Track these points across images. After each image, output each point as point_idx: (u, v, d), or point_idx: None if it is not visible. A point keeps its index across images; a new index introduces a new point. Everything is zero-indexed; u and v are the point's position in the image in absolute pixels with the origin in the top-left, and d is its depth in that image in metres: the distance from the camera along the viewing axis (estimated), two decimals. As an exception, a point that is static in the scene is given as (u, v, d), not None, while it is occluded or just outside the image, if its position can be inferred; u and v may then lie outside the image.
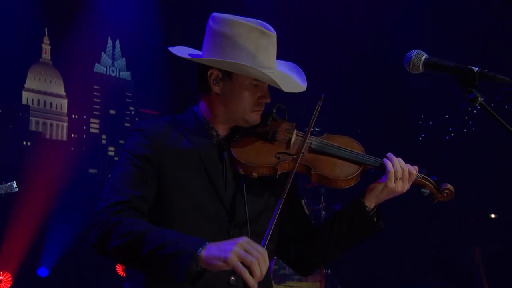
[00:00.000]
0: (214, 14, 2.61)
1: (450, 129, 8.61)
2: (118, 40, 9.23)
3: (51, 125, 8.40)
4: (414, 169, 2.63)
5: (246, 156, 2.58)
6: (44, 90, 8.33)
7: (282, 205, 2.45)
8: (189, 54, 2.68)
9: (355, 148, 2.71)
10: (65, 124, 8.54)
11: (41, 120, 8.27)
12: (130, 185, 2.45)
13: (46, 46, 8.34)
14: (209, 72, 2.59)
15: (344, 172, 2.62)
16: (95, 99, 8.95)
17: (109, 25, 8.86)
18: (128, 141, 2.62)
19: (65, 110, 8.55)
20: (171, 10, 8.75)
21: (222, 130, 2.69)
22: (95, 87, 8.95)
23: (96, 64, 9.04)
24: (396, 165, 2.60)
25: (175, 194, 2.50)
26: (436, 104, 8.31)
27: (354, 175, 2.62)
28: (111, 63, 9.17)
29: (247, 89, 2.59)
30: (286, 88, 2.54)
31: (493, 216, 7.86)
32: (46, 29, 8.29)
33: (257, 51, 2.53)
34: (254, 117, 2.65)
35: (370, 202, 2.68)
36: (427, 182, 2.67)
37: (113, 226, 2.31)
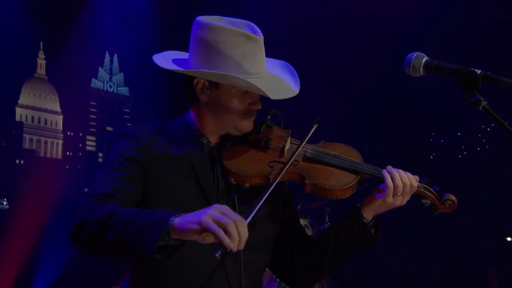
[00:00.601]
0: (198, 18, 2.57)
1: (463, 147, 8.61)
2: (116, 55, 9.19)
3: (46, 142, 8.31)
4: (415, 181, 2.60)
5: (238, 165, 2.58)
6: (38, 106, 8.26)
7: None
8: (173, 61, 2.66)
9: (353, 156, 2.68)
10: (60, 142, 8.47)
11: (35, 138, 8.18)
12: (116, 181, 2.41)
13: (41, 61, 8.29)
14: (195, 81, 2.59)
15: (340, 182, 2.59)
16: (91, 116, 8.88)
17: (106, 39, 8.81)
18: (115, 144, 2.59)
19: (60, 127, 8.48)
20: (171, 24, 8.69)
21: (213, 138, 2.68)
22: (91, 103, 8.89)
23: (93, 79, 8.98)
24: (396, 180, 2.56)
25: (163, 201, 2.47)
26: (447, 121, 8.28)
27: (351, 184, 2.59)
28: (109, 78, 9.14)
29: (235, 96, 2.57)
30: (274, 96, 2.50)
31: (509, 239, 7.95)
32: (41, 43, 8.23)
33: (243, 58, 2.50)
34: (246, 125, 2.64)
35: (368, 214, 2.67)
36: (428, 193, 2.64)
37: (90, 211, 2.24)
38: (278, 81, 2.64)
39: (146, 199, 2.48)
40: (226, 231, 1.99)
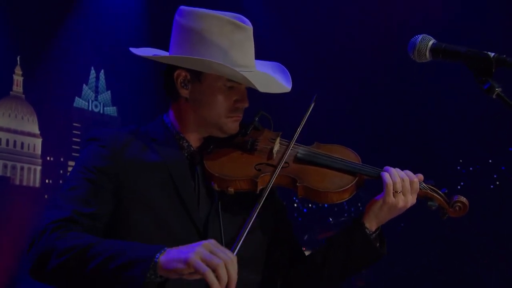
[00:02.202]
0: (182, 7, 2.58)
1: (495, 176, 8.41)
2: (102, 71, 9.07)
3: (22, 168, 8.27)
4: (415, 177, 2.58)
5: (221, 169, 2.55)
6: (14, 128, 8.21)
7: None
8: (154, 54, 2.64)
9: (350, 157, 2.67)
10: (39, 168, 8.42)
11: (9, 163, 8.13)
12: (78, 202, 2.36)
13: (18, 77, 8.22)
14: (175, 73, 2.55)
15: (335, 184, 2.57)
16: (74, 139, 8.68)
17: (92, 53, 8.71)
18: (82, 152, 2.58)
19: (38, 151, 8.42)
20: (164, 37, 8.22)
21: (194, 140, 2.65)
22: (74, 124, 8.73)
23: (77, 98, 8.89)
24: (394, 175, 2.53)
25: (137, 214, 2.42)
26: (476, 147, 8.08)
27: (348, 186, 2.55)
28: (94, 97, 9.10)
29: (220, 91, 2.55)
30: (262, 88, 2.49)
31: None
32: (18, 58, 8.12)
33: (231, 47, 2.50)
34: (230, 125, 2.60)
35: (371, 223, 2.61)
36: (435, 194, 2.60)
37: (53, 243, 2.20)
38: (268, 77, 2.64)
39: (119, 212, 2.44)
40: (215, 272, 2.01)
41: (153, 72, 8.04)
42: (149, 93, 8.37)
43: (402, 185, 2.54)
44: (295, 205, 8.38)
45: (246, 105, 2.59)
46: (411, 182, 2.55)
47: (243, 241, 2.24)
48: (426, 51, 2.28)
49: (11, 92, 8.10)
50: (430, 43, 2.28)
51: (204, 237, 2.45)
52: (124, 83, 8.94)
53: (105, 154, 2.49)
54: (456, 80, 5.69)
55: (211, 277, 2.00)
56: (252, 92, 2.57)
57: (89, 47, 8.52)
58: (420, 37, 2.29)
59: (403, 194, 2.54)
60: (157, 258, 2.07)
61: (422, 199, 2.62)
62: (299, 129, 2.63)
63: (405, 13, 8.07)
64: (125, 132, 2.61)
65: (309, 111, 2.66)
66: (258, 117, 2.69)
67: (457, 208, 2.60)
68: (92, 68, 8.94)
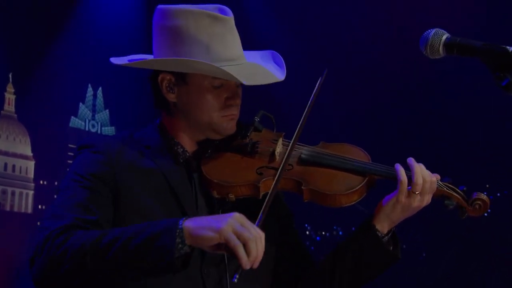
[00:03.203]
0: (159, 7, 2.61)
1: None
2: (100, 88, 8.96)
3: (13, 193, 8.18)
4: (434, 177, 2.55)
5: (220, 174, 2.55)
6: (5, 150, 8.12)
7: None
8: (129, 60, 2.66)
9: (359, 156, 2.66)
10: (31, 192, 8.31)
11: (0, 188, 8.08)
12: (79, 209, 2.36)
13: (9, 95, 8.11)
14: (159, 78, 2.56)
15: (343, 185, 2.56)
16: (70, 161, 8.29)
17: (89, 70, 8.46)
18: (75, 160, 2.57)
19: (31, 174, 8.35)
20: None
21: (189, 146, 2.65)
22: (70, 145, 8.47)
23: (72, 117, 8.78)
24: (417, 174, 2.49)
25: (134, 222, 2.33)
26: (504, 170, 7.79)
27: (357, 187, 2.53)
28: (91, 116, 9.00)
29: (208, 91, 2.55)
30: (248, 81, 2.47)
31: None
32: (10, 75, 8.02)
33: (211, 42, 2.50)
34: (226, 125, 2.59)
35: (382, 225, 2.58)
36: (452, 192, 2.58)
37: (61, 245, 2.18)
38: (258, 68, 2.62)
39: (116, 219, 2.43)
40: (245, 246, 2.04)
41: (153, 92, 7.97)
42: (149, 112, 8.08)
43: (423, 186, 2.52)
44: (307, 232, 8.37)
45: (238, 102, 2.59)
46: (429, 182, 2.52)
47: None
48: (439, 46, 2.25)
49: (2, 111, 8.06)
50: (444, 37, 2.25)
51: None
52: (123, 101, 8.80)
53: (100, 159, 2.50)
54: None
55: (241, 251, 2.03)
56: (253, 89, 2.57)
57: (86, 63, 8.33)
58: (433, 31, 2.26)
59: (420, 194, 2.52)
60: (181, 225, 2.10)
61: (439, 198, 2.59)
62: (305, 117, 2.58)
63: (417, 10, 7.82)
64: (118, 139, 2.62)
65: (318, 89, 2.63)
66: (259, 117, 2.69)
67: (476, 206, 2.58)
68: (89, 85, 8.87)
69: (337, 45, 8.43)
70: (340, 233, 8.03)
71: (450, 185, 2.60)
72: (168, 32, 2.52)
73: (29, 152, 8.23)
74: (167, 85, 2.56)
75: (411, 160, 2.56)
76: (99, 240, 2.17)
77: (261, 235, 2.09)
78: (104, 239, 2.17)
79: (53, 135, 8.28)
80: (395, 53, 7.66)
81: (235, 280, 2.06)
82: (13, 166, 8.11)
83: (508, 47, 2.15)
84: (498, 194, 8.20)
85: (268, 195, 2.39)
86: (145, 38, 8.05)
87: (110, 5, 8.56)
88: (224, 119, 2.58)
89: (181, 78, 2.54)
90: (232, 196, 2.51)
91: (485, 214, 2.61)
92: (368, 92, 8.33)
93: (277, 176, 2.48)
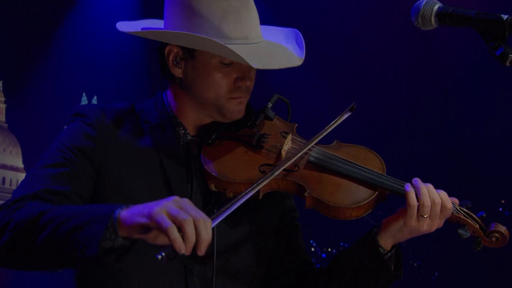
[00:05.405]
0: None
1: None
2: (95, 97, 8.59)
3: None
4: (449, 201, 2.45)
5: (220, 168, 2.49)
6: None
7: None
8: (142, 28, 2.58)
9: (372, 164, 2.56)
10: None
11: None
12: (51, 180, 2.32)
13: (0, 105, 8.09)
14: (166, 49, 2.50)
15: (350, 198, 2.47)
16: None
17: (83, 77, 8.26)
18: (66, 128, 2.53)
19: None
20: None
21: (192, 128, 2.59)
22: None
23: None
24: (423, 196, 2.40)
25: (115, 202, 2.23)
26: None
27: (365, 202, 2.45)
28: None
29: (216, 69, 2.47)
30: (258, 64, 2.37)
31: None
32: (0, 83, 8.01)
33: (224, 16, 2.42)
34: (232, 108, 2.51)
35: (386, 242, 2.52)
36: (469, 220, 2.48)
37: (10, 215, 2.18)
38: (277, 49, 2.57)
39: (96, 199, 2.42)
40: (181, 229, 1.91)
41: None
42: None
43: (431, 209, 2.42)
44: (312, 249, 8.12)
45: (249, 84, 2.51)
46: (443, 208, 2.44)
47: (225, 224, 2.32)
48: (431, 16, 2.26)
49: (-9, 122, 7.99)
50: (436, 7, 2.26)
51: None
52: (119, 111, 8.62)
53: (90, 134, 2.46)
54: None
55: (174, 233, 1.89)
56: (271, 70, 2.54)
57: (80, 71, 8.26)
58: (425, 1, 2.26)
59: (429, 218, 2.43)
60: (116, 213, 1.99)
61: (453, 224, 2.53)
62: (321, 134, 2.53)
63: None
64: (116, 110, 2.57)
65: (340, 120, 2.58)
66: (272, 103, 2.63)
67: (493, 238, 2.50)
68: (84, 94, 8.58)
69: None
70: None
71: (467, 211, 2.51)
72: (181, 5, 2.47)
73: (20, 164, 8.20)
74: (173, 58, 2.52)
75: (417, 181, 2.48)
76: (37, 220, 2.11)
77: (205, 218, 1.95)
78: (40, 220, 2.10)
79: (45, 147, 8.02)
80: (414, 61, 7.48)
81: (160, 257, 1.89)
82: (3, 178, 8.05)
83: (502, 15, 2.13)
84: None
85: (247, 191, 2.28)
86: (141, 47, 8.34)
87: (105, 12, 8.50)
88: (231, 102, 2.51)
89: (188, 52, 2.49)
90: (230, 193, 2.46)
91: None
92: (384, 94, 8.07)
93: (268, 174, 2.40)
